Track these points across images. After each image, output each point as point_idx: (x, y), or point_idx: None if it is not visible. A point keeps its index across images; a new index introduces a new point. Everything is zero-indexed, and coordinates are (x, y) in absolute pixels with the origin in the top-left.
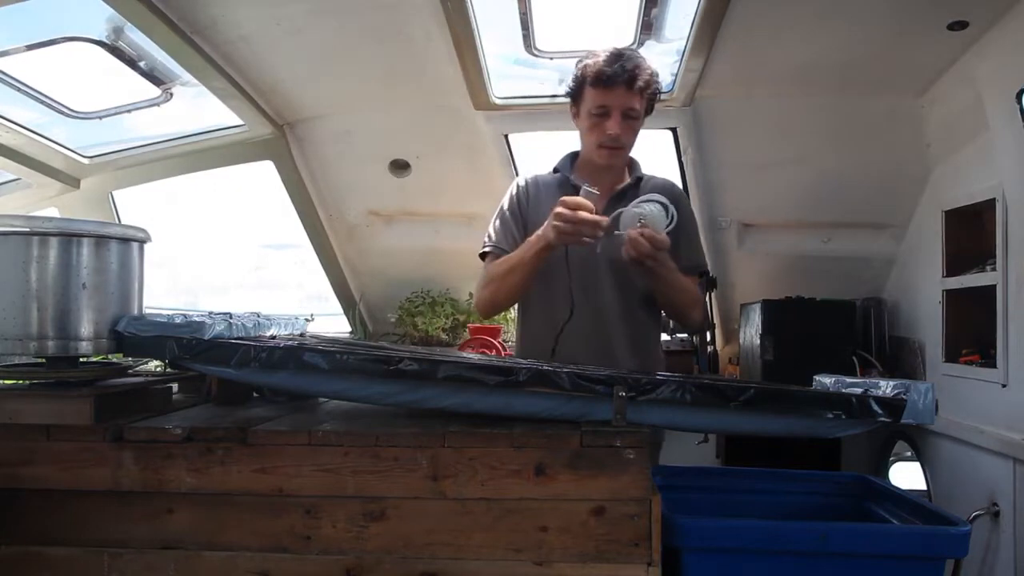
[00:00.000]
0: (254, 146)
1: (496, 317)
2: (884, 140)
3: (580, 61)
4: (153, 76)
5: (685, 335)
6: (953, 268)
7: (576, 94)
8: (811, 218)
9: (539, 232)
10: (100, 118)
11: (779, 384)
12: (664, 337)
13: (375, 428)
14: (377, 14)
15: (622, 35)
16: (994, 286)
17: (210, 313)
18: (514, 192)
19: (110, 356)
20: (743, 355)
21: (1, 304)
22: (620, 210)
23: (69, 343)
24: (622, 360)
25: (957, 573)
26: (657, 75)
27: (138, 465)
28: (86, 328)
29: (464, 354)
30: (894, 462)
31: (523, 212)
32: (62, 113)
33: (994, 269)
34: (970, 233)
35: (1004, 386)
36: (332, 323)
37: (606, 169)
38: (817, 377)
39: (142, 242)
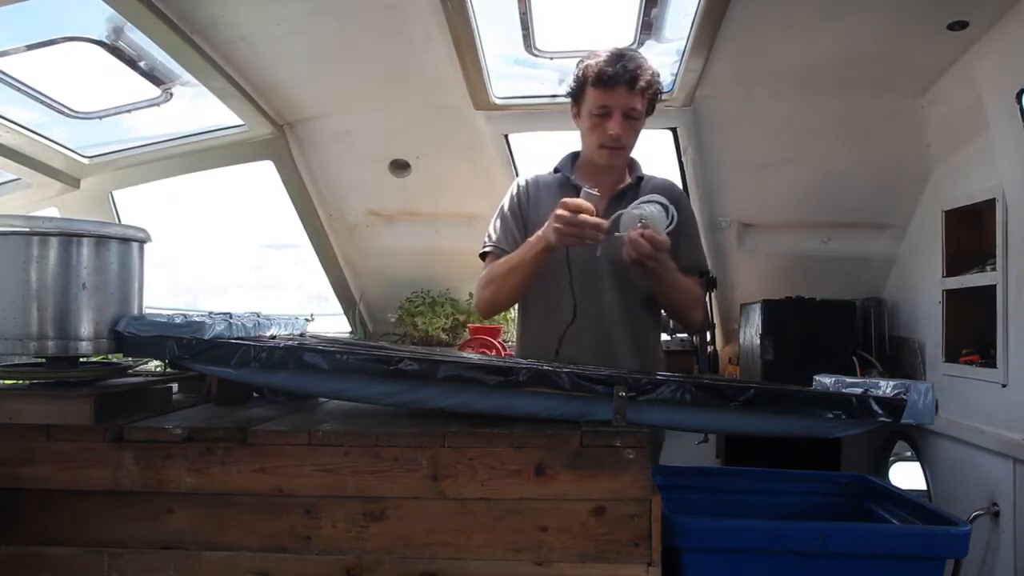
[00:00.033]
0: (254, 146)
1: (496, 317)
2: (884, 140)
3: (581, 61)
4: (153, 76)
5: (685, 335)
6: (953, 268)
7: (577, 94)
8: (811, 218)
9: (539, 233)
10: (100, 118)
11: (779, 384)
12: (664, 337)
13: (375, 428)
14: (377, 14)
15: (622, 35)
16: (994, 286)
17: (210, 313)
18: (514, 192)
19: (110, 356)
20: (743, 355)
21: (1, 304)
22: (620, 211)
23: (69, 343)
24: (623, 360)
25: (957, 573)
26: (658, 75)
27: (138, 465)
28: (86, 328)
29: (464, 354)
30: (894, 462)
31: (523, 212)
32: (62, 113)
33: (994, 269)
34: (970, 233)
35: (1004, 386)
36: (332, 323)
37: (607, 169)
38: (817, 377)
39: (142, 242)
